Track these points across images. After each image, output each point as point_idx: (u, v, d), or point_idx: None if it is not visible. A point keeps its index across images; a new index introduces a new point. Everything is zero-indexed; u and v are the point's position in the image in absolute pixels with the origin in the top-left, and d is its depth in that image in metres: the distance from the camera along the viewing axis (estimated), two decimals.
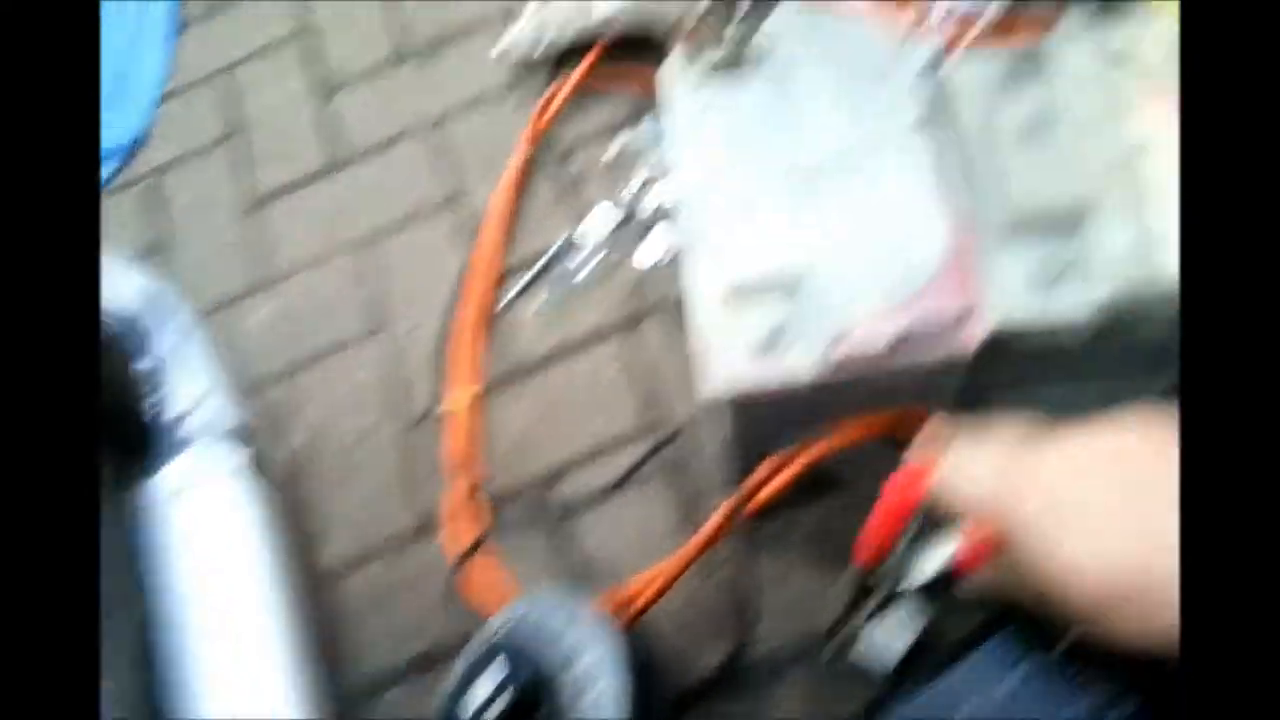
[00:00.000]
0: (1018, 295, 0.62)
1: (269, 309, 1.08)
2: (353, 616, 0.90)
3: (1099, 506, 0.39)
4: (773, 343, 0.64)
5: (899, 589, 0.45)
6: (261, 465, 0.35)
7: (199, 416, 0.35)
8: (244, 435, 0.34)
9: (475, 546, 0.84)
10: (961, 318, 0.60)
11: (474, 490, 0.89)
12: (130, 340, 0.38)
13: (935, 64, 0.90)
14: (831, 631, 0.51)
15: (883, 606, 0.46)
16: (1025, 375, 0.73)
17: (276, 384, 1.02)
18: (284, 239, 1.12)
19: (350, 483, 0.95)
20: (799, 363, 0.63)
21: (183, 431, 0.35)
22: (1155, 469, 0.38)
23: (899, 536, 0.44)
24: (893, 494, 0.44)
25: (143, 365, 0.37)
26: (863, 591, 0.48)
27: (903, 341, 0.61)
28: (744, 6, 0.70)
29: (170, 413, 0.36)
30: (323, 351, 1.03)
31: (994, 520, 0.41)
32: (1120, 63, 0.66)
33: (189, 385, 0.36)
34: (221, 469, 0.34)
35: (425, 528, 0.91)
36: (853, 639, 0.49)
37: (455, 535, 0.87)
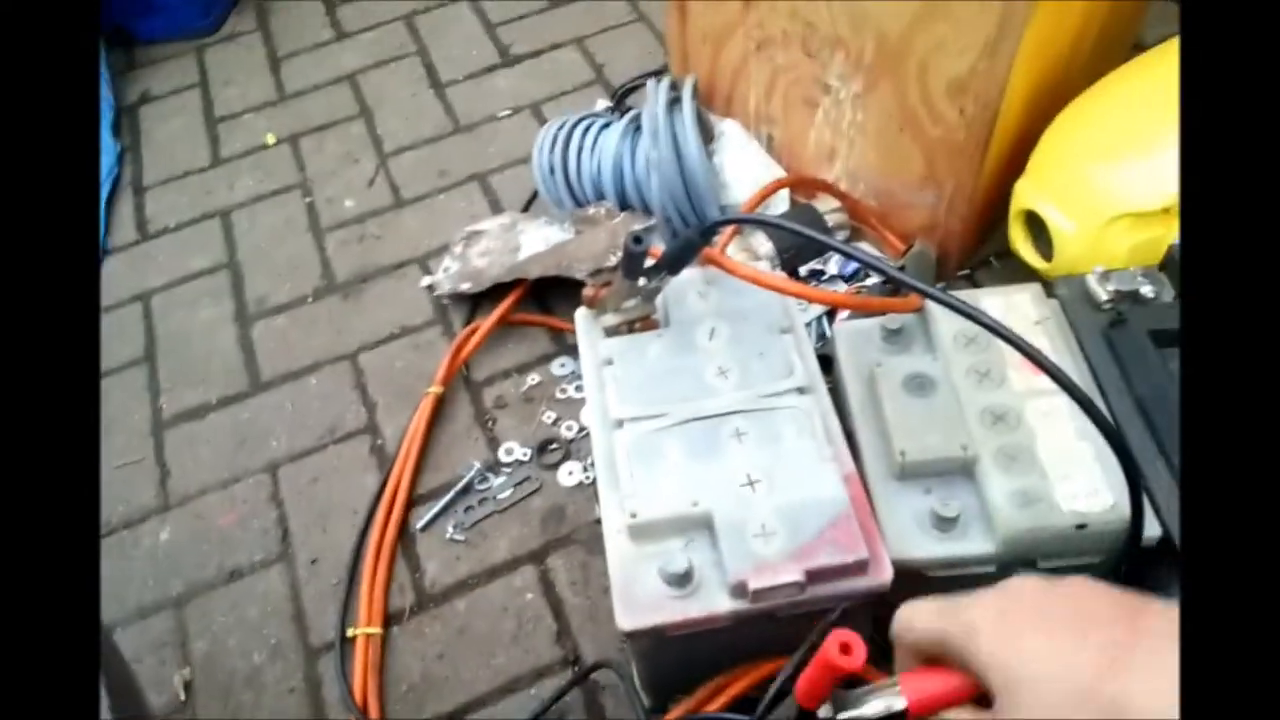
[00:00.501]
0: (915, 537, 0.68)
1: (167, 532, 1.05)
2: None
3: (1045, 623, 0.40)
4: (685, 579, 0.67)
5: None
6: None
7: None
8: None
9: None
10: (865, 562, 0.65)
11: None
12: None
13: (823, 327, 1.02)
14: None
15: None
16: None
17: (167, 611, 0.98)
18: (190, 461, 1.11)
19: None
20: (711, 600, 0.66)
21: None
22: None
23: (833, 685, 0.48)
24: (829, 649, 0.46)
25: None
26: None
27: (810, 583, 0.65)
28: (644, 284, 0.77)
29: None
30: (217, 580, 1.00)
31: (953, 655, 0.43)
32: (981, 343, 0.76)
33: None
34: None
35: None
36: None
37: None
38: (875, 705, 0.47)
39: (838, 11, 0.95)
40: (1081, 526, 0.66)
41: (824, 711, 0.49)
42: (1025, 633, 0.41)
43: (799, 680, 0.49)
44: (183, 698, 0.93)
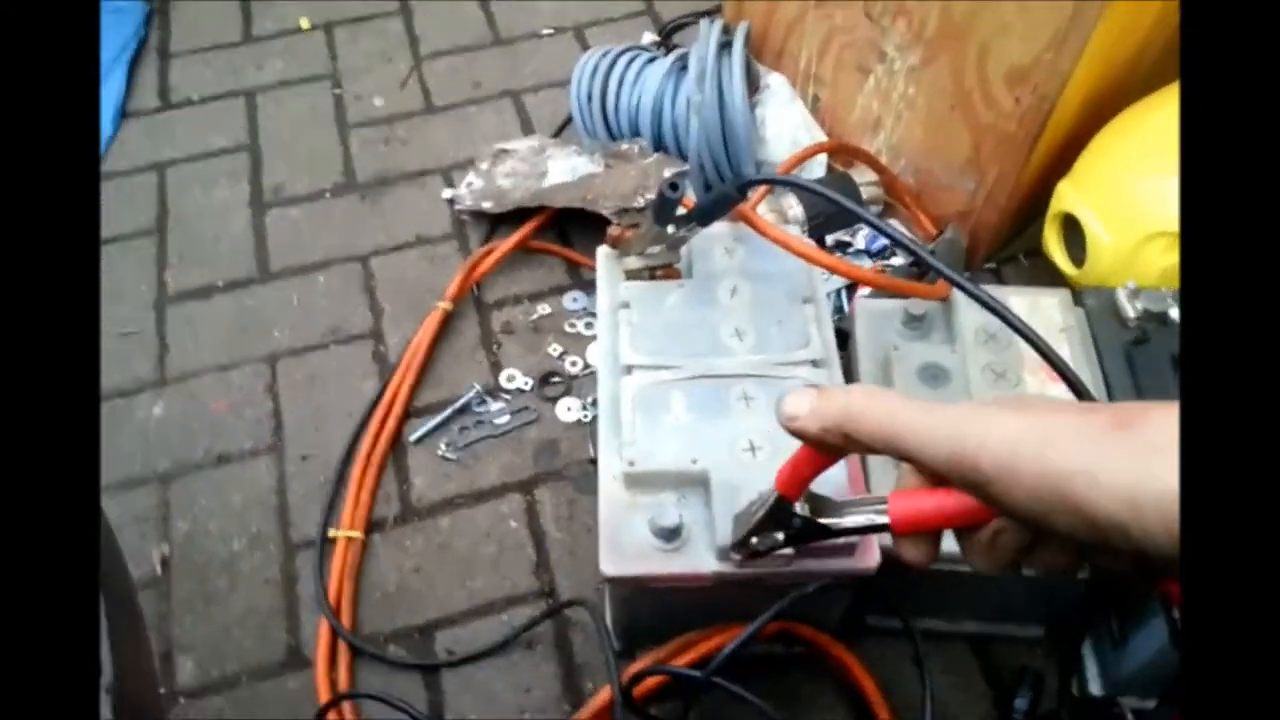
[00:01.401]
0: None
1: (160, 408, 1.05)
2: None
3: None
4: (674, 534, 0.67)
5: (819, 521, 0.48)
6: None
7: None
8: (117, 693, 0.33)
9: (336, 700, 0.81)
10: (854, 544, 0.66)
11: (345, 633, 0.87)
12: None
13: (840, 300, 1.01)
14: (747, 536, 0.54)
15: (793, 527, 0.50)
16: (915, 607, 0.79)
17: (152, 486, 0.99)
18: (190, 341, 1.10)
19: (215, 604, 0.91)
20: (698, 558, 0.67)
21: None
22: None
23: (811, 479, 0.47)
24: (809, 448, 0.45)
25: None
26: (777, 511, 0.50)
27: (797, 556, 0.65)
28: (672, 231, 0.76)
29: None
30: (204, 462, 1.01)
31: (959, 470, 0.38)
32: (1001, 342, 0.75)
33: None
34: None
35: (291, 663, 0.87)
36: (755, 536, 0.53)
37: (323, 677, 0.84)
38: (856, 519, 0.46)
39: None
40: None
41: (799, 508, 0.49)
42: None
43: (781, 468, 0.48)
44: (159, 572, 0.94)
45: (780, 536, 0.52)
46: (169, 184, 1.26)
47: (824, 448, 0.44)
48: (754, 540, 0.55)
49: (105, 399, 1.05)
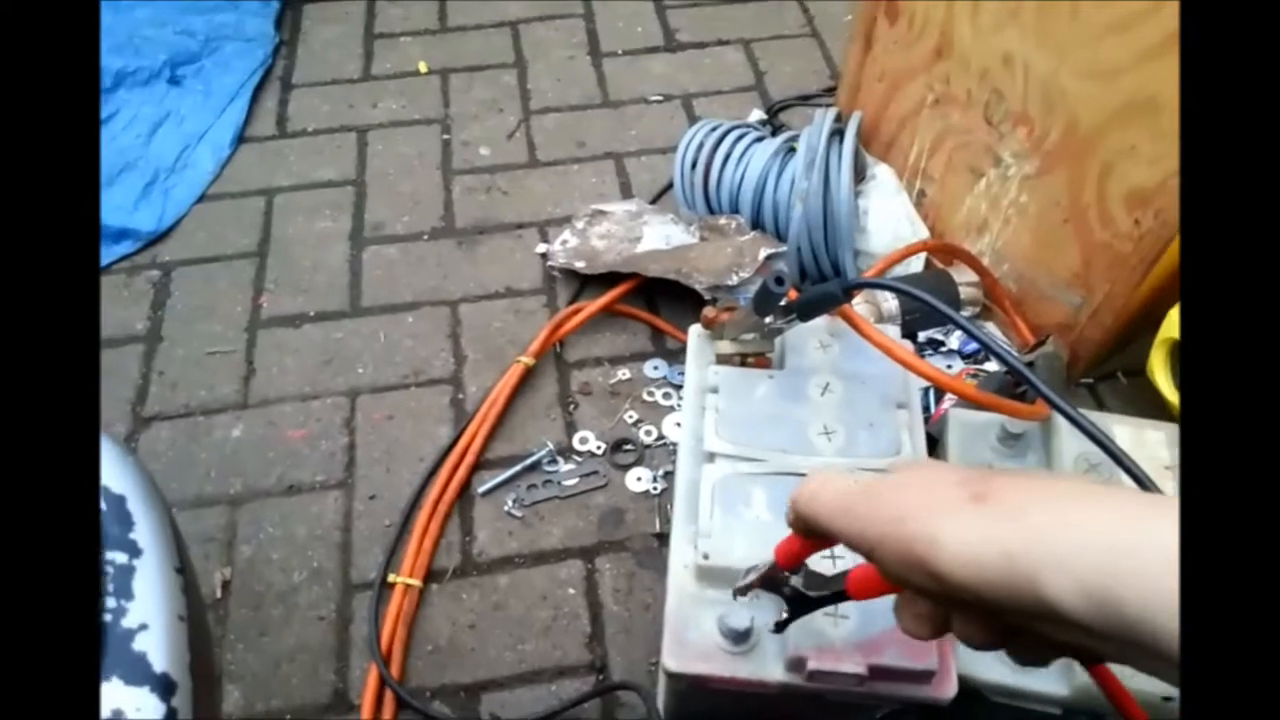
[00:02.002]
0: (987, 660, 0.65)
1: (239, 430, 1.07)
2: None
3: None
4: (744, 637, 0.65)
5: (805, 592, 0.55)
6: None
7: (137, 643, 0.34)
8: (168, 686, 0.33)
9: None
10: (931, 673, 0.63)
11: (393, 683, 0.86)
12: (109, 526, 0.37)
13: (928, 399, 0.98)
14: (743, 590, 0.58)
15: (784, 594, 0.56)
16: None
17: (222, 507, 1.00)
18: (276, 366, 1.12)
19: (268, 635, 0.92)
20: (766, 665, 0.64)
21: (117, 655, 0.33)
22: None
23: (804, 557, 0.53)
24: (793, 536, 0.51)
25: (110, 559, 0.36)
26: (771, 576, 0.56)
27: (871, 678, 0.62)
28: (769, 321, 0.75)
29: (119, 626, 0.35)
30: (275, 490, 1.02)
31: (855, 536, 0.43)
32: (1103, 473, 0.72)
33: (142, 603, 0.35)
34: None
35: (335, 707, 0.87)
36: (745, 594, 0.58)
37: None
38: (829, 589, 0.54)
39: (1033, 87, 0.91)
40: (1168, 699, 0.62)
41: (795, 580, 0.55)
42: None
43: (781, 542, 0.53)
44: (218, 595, 0.94)
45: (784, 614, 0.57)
46: (275, 210, 1.30)
47: (801, 534, 0.49)
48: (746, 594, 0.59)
49: (188, 415, 1.08)
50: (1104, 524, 0.34)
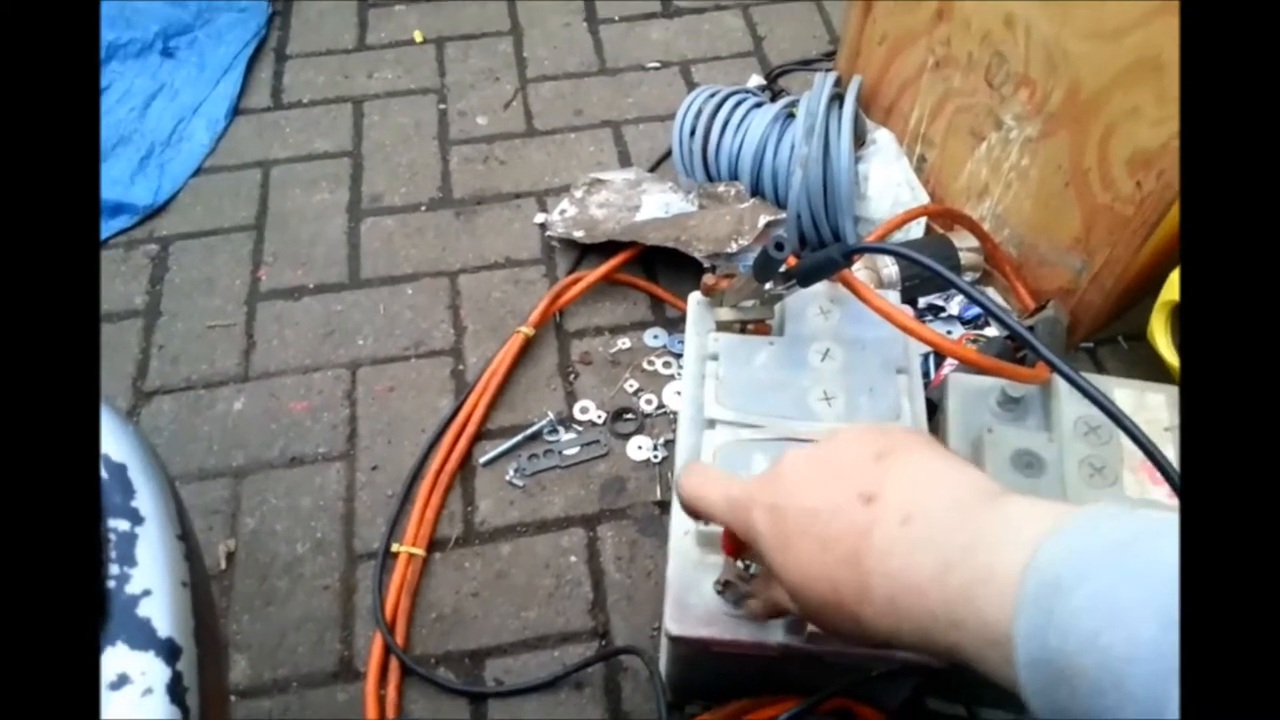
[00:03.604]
0: None
1: (241, 403, 1.07)
2: None
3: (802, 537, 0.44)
4: (744, 601, 0.65)
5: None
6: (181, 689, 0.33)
7: (141, 609, 0.34)
8: (173, 651, 0.33)
9: None
10: None
11: (398, 650, 0.87)
12: (111, 495, 0.37)
13: (927, 365, 0.98)
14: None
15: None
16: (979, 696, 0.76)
17: (225, 480, 1.00)
18: (276, 339, 1.12)
19: (273, 605, 0.92)
20: (767, 627, 0.65)
21: (122, 620, 0.34)
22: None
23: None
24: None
25: (112, 526, 0.36)
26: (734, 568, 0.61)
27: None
28: (769, 288, 0.75)
29: (123, 592, 0.35)
30: (278, 461, 1.02)
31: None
32: (1102, 436, 0.72)
33: (146, 570, 0.35)
34: (139, 686, 0.32)
35: (342, 675, 0.88)
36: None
37: (372, 694, 0.84)
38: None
39: (1035, 48, 0.90)
40: None
41: (741, 565, 0.61)
42: (791, 539, 0.45)
43: (723, 544, 0.59)
44: (223, 566, 0.95)
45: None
46: (272, 182, 1.29)
47: (690, 516, 0.56)
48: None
49: (189, 388, 1.08)
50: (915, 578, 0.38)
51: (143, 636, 0.34)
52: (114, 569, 0.35)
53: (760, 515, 0.47)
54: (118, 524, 0.37)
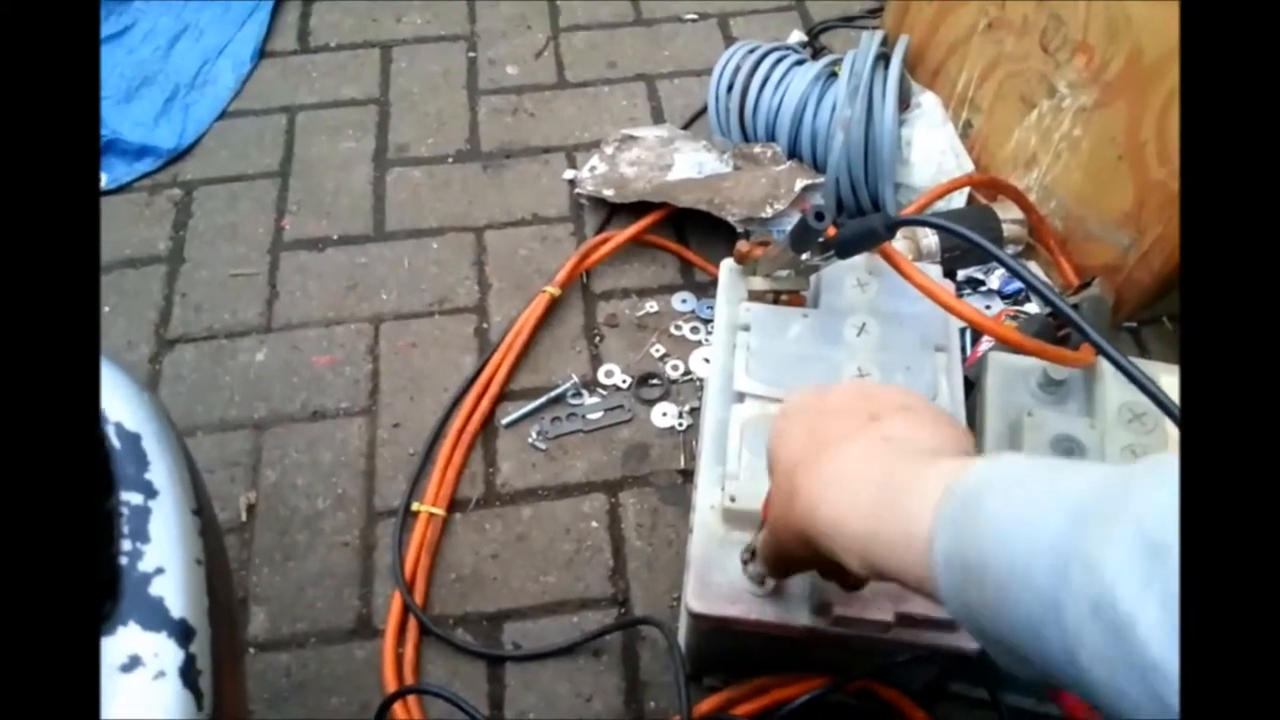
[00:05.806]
0: None
1: (263, 354, 1.06)
2: (259, 701, 0.85)
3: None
4: (769, 580, 0.64)
5: None
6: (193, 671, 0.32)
7: (154, 588, 0.32)
8: (186, 632, 0.32)
9: (402, 693, 0.80)
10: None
11: (416, 610, 0.86)
12: (124, 466, 0.36)
13: (964, 340, 0.95)
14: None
15: None
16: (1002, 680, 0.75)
17: (246, 431, 1.00)
18: (299, 290, 1.11)
19: (293, 559, 0.92)
20: (792, 609, 0.63)
21: (134, 599, 0.32)
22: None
23: None
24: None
25: (124, 500, 0.35)
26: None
27: (898, 625, 0.61)
28: (805, 258, 0.72)
29: (135, 570, 0.33)
30: (300, 415, 1.01)
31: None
32: (1147, 424, 0.69)
33: (159, 547, 0.33)
34: (151, 669, 0.31)
35: (360, 632, 0.88)
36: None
37: (390, 652, 0.84)
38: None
39: (1095, 12, 0.86)
40: None
41: None
42: (794, 420, 0.51)
43: (763, 508, 0.57)
44: (243, 518, 0.95)
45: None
46: (297, 128, 1.27)
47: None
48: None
49: (212, 338, 1.07)
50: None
51: (155, 617, 0.33)
52: (126, 545, 0.34)
53: (786, 408, 0.53)
54: (130, 498, 0.36)
